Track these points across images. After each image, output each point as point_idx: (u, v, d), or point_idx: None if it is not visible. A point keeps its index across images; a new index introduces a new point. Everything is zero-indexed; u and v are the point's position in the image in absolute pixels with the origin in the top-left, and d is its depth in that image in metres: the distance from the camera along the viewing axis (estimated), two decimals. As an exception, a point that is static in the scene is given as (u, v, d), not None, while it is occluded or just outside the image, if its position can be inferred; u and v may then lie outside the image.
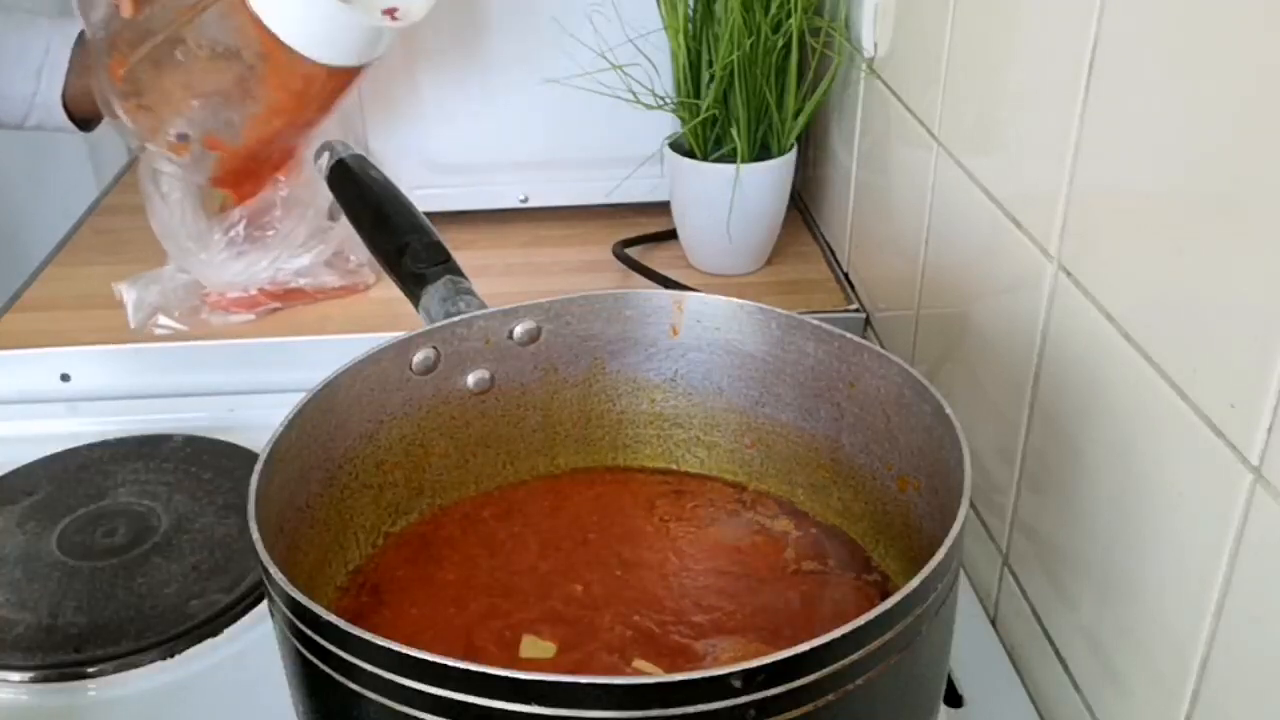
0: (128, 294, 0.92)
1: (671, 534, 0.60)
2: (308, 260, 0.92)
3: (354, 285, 0.96)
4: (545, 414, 0.63)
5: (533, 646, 0.53)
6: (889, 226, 0.85)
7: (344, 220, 0.89)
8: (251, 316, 0.93)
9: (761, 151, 0.94)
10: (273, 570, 0.43)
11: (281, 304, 0.94)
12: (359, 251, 0.95)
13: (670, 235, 1.02)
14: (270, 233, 0.91)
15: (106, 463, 0.78)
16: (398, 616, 0.55)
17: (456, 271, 0.63)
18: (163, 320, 0.91)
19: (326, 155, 0.72)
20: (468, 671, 0.38)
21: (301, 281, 0.93)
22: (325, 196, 0.90)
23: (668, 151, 0.97)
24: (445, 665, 0.39)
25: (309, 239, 0.92)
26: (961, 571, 0.54)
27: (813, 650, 0.39)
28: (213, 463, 0.77)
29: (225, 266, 0.90)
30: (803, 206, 1.09)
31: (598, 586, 0.56)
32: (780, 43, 0.89)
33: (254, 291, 0.93)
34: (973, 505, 0.62)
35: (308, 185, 0.93)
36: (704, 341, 0.61)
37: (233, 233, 0.90)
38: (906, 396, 0.54)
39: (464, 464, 0.62)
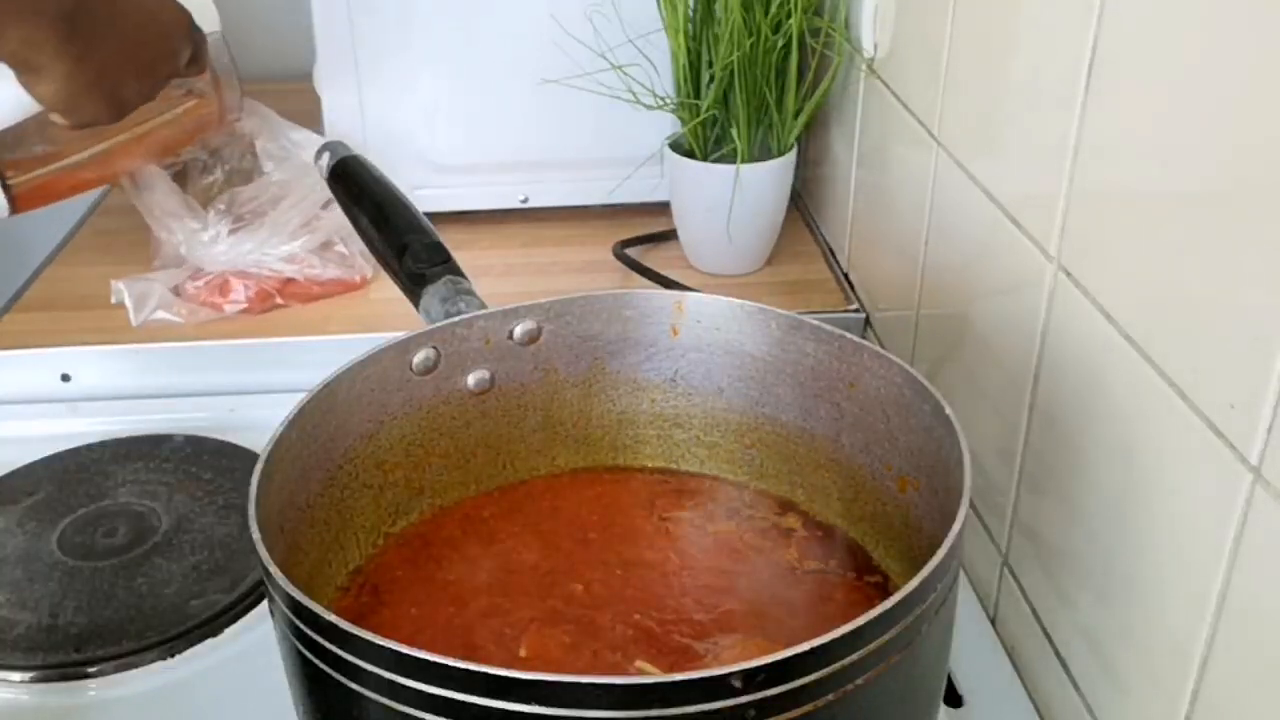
0: (128, 291, 0.92)
1: (671, 534, 0.60)
2: (295, 247, 0.93)
3: (350, 278, 0.96)
4: (545, 414, 0.63)
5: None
6: (889, 226, 0.85)
7: (333, 209, 0.90)
8: (245, 304, 0.93)
9: (761, 151, 0.94)
10: (273, 570, 0.43)
11: (280, 298, 0.94)
12: (351, 242, 0.96)
13: (670, 235, 1.02)
14: (261, 218, 0.92)
15: (107, 463, 0.78)
16: (398, 616, 0.55)
17: (456, 272, 0.63)
18: (161, 314, 0.91)
19: (327, 155, 0.72)
20: (468, 671, 0.38)
21: (292, 269, 0.93)
22: (320, 190, 0.90)
23: (668, 151, 0.97)
24: (445, 665, 0.39)
25: (299, 228, 0.93)
26: (961, 571, 0.54)
27: (813, 650, 0.39)
28: (213, 463, 0.77)
29: (212, 245, 0.91)
30: (803, 206, 1.09)
31: (598, 586, 0.56)
32: (780, 43, 0.89)
33: (250, 283, 0.93)
34: (973, 505, 0.62)
35: (301, 176, 0.93)
36: (704, 341, 0.61)
37: (224, 218, 0.91)
38: (906, 396, 0.54)
39: (464, 464, 0.62)
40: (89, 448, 0.79)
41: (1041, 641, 0.60)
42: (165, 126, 0.85)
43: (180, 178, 0.98)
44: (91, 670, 0.62)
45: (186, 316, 0.91)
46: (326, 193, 0.77)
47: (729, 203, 0.93)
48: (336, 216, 0.91)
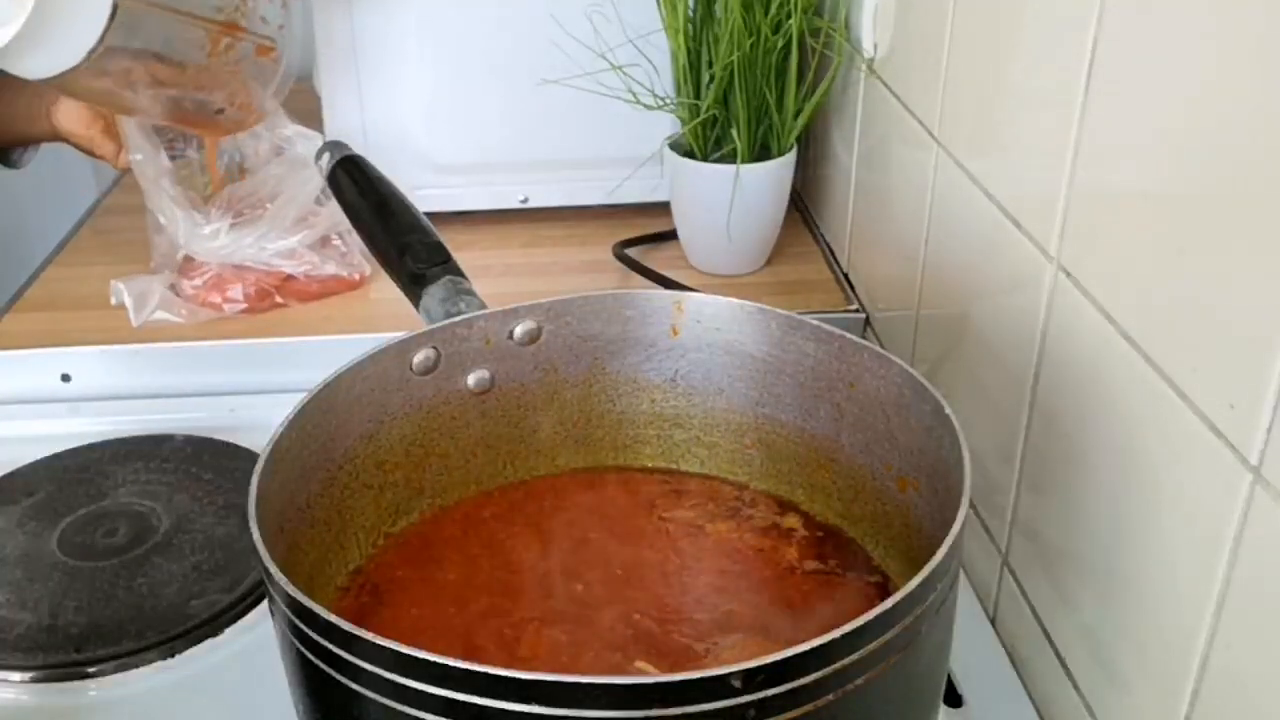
0: (128, 291, 0.92)
1: (671, 534, 0.60)
2: (294, 242, 0.93)
3: (349, 275, 0.96)
4: (545, 414, 0.63)
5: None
6: (889, 227, 0.85)
7: (330, 204, 0.90)
8: (244, 303, 0.93)
9: (761, 151, 0.94)
10: (273, 570, 0.43)
11: (280, 296, 0.94)
12: (350, 238, 0.96)
13: (670, 235, 1.02)
14: (259, 212, 0.93)
15: (107, 463, 0.78)
16: (398, 616, 0.55)
17: (457, 272, 0.63)
18: (161, 314, 0.91)
19: (327, 156, 0.72)
20: (468, 671, 0.38)
21: (290, 266, 0.93)
22: (315, 184, 0.91)
23: (668, 152, 0.97)
24: (445, 665, 0.39)
25: (296, 223, 0.93)
26: (961, 571, 0.54)
27: (813, 650, 0.39)
28: (213, 463, 0.77)
29: (212, 239, 0.91)
30: (803, 206, 1.09)
31: (598, 586, 0.56)
32: (780, 43, 0.89)
33: (249, 281, 0.93)
34: (973, 505, 0.62)
35: (296, 172, 0.93)
36: (704, 342, 0.61)
37: (225, 214, 0.92)
38: (906, 396, 0.54)
39: (464, 464, 0.62)
40: (89, 448, 0.79)
41: (1041, 641, 0.60)
42: (233, 64, 0.85)
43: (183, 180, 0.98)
44: (91, 670, 0.62)
45: (186, 316, 0.91)
46: (321, 188, 0.77)
47: (729, 203, 0.93)
48: (333, 211, 0.92)
